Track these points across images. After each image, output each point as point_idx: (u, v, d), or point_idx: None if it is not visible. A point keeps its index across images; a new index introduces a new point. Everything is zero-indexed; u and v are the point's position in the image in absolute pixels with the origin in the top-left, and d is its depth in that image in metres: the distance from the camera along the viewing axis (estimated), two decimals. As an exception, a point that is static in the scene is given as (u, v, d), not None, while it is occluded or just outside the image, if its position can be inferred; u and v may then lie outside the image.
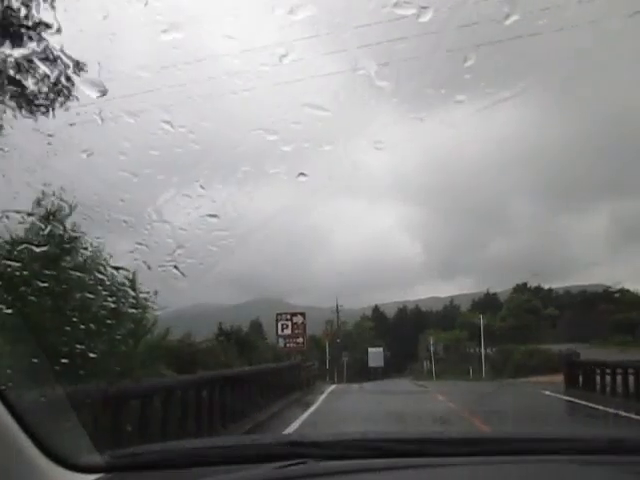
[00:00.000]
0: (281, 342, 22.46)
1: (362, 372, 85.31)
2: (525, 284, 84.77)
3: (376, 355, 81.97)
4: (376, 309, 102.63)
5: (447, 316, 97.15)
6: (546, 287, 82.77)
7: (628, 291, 62.41)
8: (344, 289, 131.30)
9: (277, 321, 22.80)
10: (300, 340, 22.68)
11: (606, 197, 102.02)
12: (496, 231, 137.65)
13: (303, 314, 22.87)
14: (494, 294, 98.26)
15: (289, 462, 1.69)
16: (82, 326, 6.83)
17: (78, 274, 7.29)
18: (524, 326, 66.11)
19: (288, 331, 22.46)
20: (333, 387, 25.56)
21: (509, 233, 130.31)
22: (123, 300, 8.09)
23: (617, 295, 63.92)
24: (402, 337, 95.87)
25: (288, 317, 22.70)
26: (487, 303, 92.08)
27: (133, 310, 8.71)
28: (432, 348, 50.89)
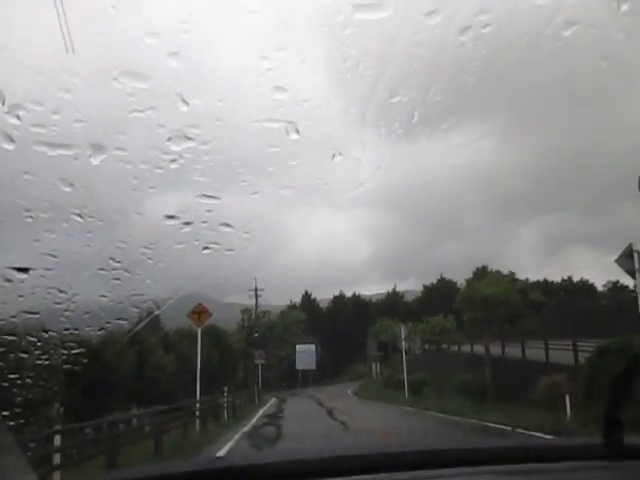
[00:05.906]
0: None
1: (288, 377, 66.13)
2: (485, 267, 69.06)
3: (306, 354, 63.15)
4: (306, 296, 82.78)
5: (394, 306, 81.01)
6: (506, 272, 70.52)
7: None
8: (284, 288, 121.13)
9: None
10: None
11: (539, 211, 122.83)
12: (448, 236, 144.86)
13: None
14: (450, 280, 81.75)
15: None
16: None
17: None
18: (515, 315, 44.06)
19: None
20: None
21: (459, 238, 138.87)
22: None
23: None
24: (340, 332, 77.08)
25: None
26: (443, 290, 77.51)
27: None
28: (404, 345, 30.99)
